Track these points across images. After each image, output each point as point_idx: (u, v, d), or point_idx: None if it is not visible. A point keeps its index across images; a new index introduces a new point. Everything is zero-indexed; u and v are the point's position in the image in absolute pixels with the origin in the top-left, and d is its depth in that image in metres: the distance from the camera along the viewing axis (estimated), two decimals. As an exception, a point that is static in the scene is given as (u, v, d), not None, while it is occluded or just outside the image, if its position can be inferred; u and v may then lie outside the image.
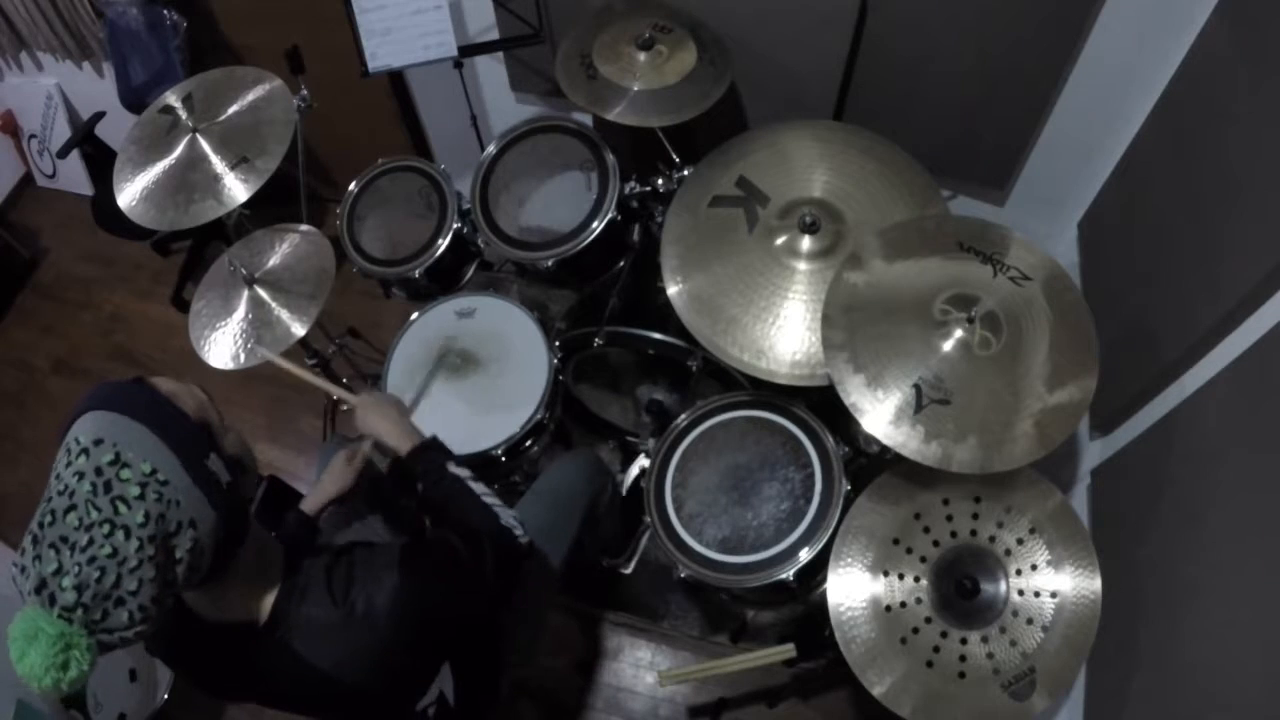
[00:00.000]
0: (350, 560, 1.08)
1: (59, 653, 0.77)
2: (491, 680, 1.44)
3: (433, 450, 1.37)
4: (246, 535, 0.98)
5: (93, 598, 0.78)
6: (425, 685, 1.22)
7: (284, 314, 1.76)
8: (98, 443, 0.82)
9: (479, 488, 1.32)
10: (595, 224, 1.77)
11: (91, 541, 0.79)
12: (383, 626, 1.03)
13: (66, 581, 0.78)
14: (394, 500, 1.65)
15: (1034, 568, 1.32)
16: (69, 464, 0.82)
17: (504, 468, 1.76)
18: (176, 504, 0.84)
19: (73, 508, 0.80)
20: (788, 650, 1.57)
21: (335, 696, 1.06)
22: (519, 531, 1.30)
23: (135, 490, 0.81)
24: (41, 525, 0.81)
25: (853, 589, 1.37)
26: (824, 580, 1.39)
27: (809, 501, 1.55)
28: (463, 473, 1.33)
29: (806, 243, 1.54)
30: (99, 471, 0.81)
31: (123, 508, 0.80)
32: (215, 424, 0.95)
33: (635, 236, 1.90)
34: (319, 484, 1.50)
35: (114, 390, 0.88)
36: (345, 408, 1.55)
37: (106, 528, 0.79)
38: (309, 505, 1.46)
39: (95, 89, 2.84)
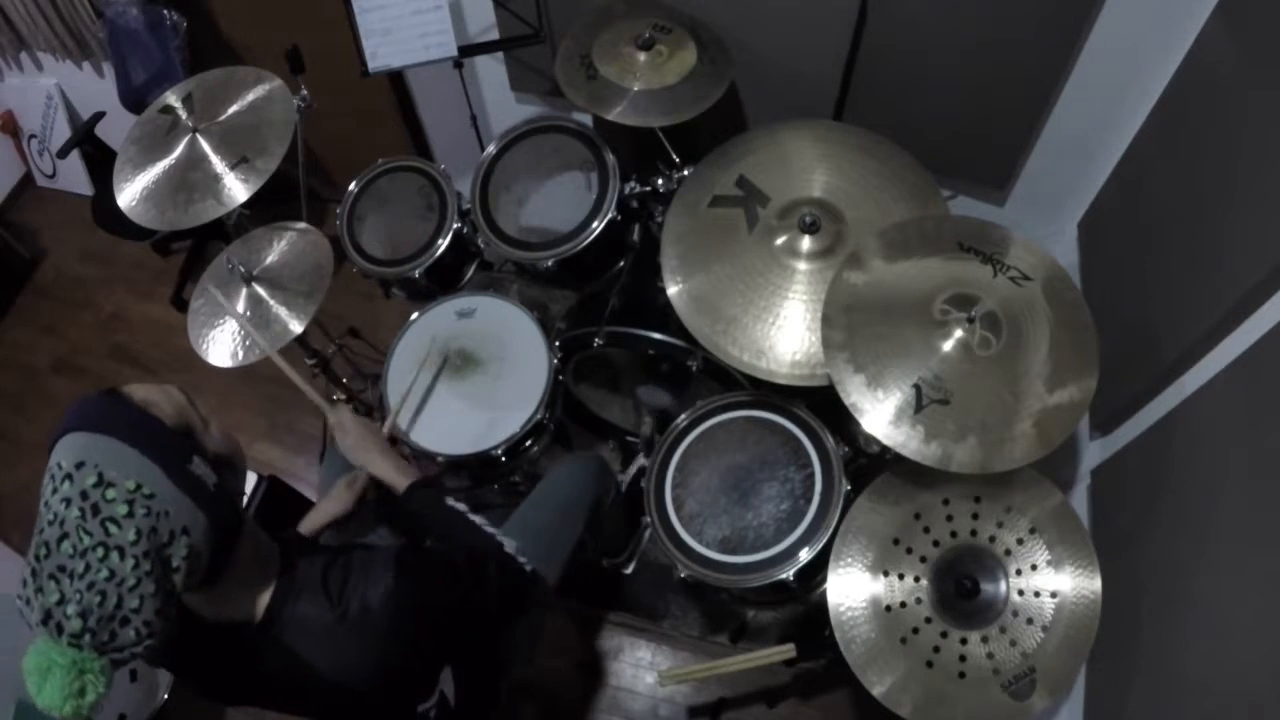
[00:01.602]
0: (347, 560, 1.08)
1: (74, 680, 0.78)
2: (491, 681, 1.44)
3: (429, 486, 1.37)
4: (241, 532, 0.98)
5: (98, 622, 0.79)
6: (426, 688, 1.21)
7: (282, 312, 1.76)
8: (79, 466, 0.82)
9: (478, 519, 1.32)
10: (595, 224, 1.77)
11: (88, 568, 0.79)
12: (377, 627, 1.02)
13: (70, 610, 0.78)
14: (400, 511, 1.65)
15: (1034, 568, 1.32)
16: (55, 490, 0.82)
17: (504, 468, 1.76)
18: (166, 515, 0.84)
19: (65, 536, 0.80)
20: (788, 650, 1.57)
21: (332, 696, 1.06)
22: (523, 559, 1.30)
23: (123, 509, 0.81)
24: (38, 557, 0.81)
25: (853, 589, 1.37)
26: (824, 580, 1.39)
27: (809, 501, 1.54)
28: (460, 506, 1.33)
29: (806, 243, 1.53)
30: (84, 495, 0.81)
31: (113, 528, 0.81)
32: (195, 425, 0.94)
33: (635, 236, 1.90)
34: (319, 506, 1.49)
35: (89, 408, 0.88)
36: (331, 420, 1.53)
37: (100, 551, 0.80)
38: (307, 526, 1.46)
39: (95, 89, 2.84)
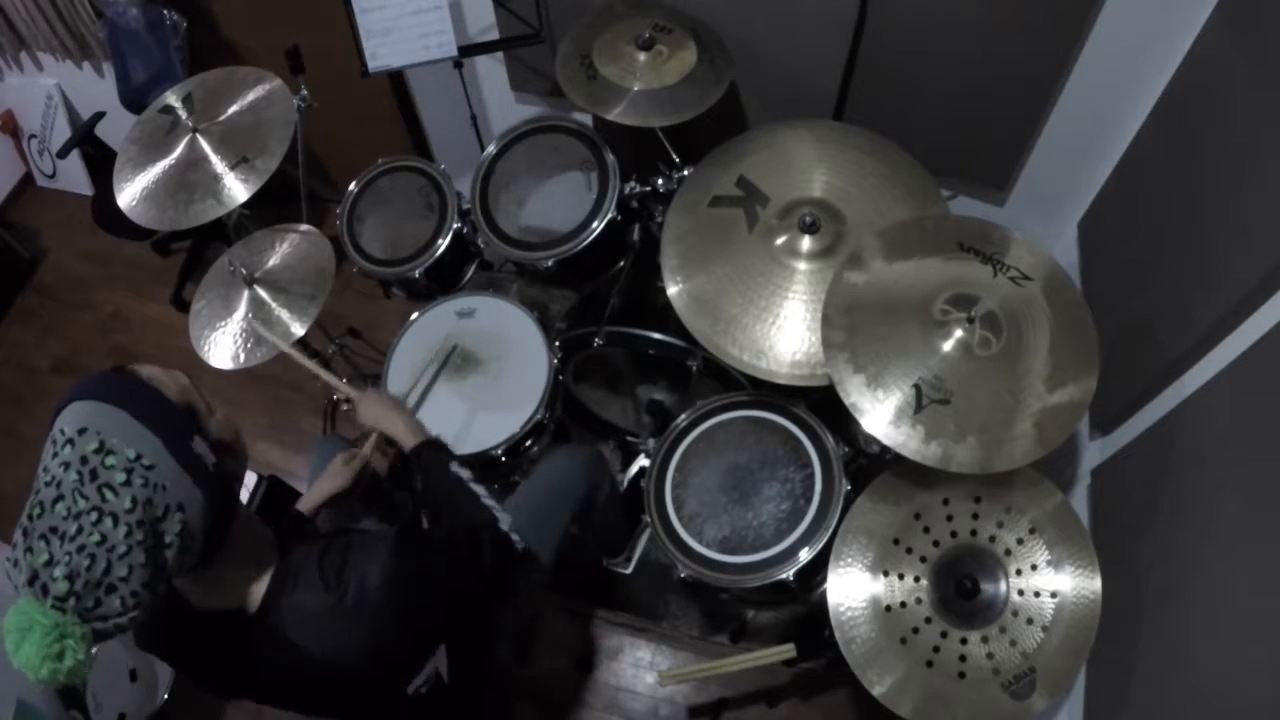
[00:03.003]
0: (344, 545, 1.08)
1: (54, 643, 0.77)
2: (483, 658, 1.45)
3: (437, 448, 1.40)
4: (235, 517, 0.98)
5: (84, 586, 0.79)
6: (418, 668, 1.22)
7: (284, 314, 1.76)
8: (81, 431, 0.82)
9: (479, 489, 1.33)
10: (595, 224, 1.77)
11: (80, 530, 0.79)
12: (374, 611, 1.03)
13: (58, 572, 0.78)
14: (390, 500, 1.65)
15: (1034, 568, 1.32)
16: (55, 455, 0.83)
17: (504, 468, 1.76)
18: (163, 488, 0.84)
19: (60, 498, 0.80)
20: (788, 650, 1.57)
21: (327, 681, 1.06)
22: (516, 537, 1.30)
23: (121, 476, 0.82)
24: (31, 517, 0.81)
25: (853, 589, 1.37)
26: (824, 580, 1.39)
27: (809, 501, 1.55)
28: (464, 473, 1.34)
29: (806, 243, 1.54)
30: (84, 460, 0.81)
31: (109, 495, 0.81)
32: (199, 407, 0.95)
33: (635, 236, 1.90)
34: (315, 484, 1.50)
35: (96, 380, 0.89)
36: (346, 407, 1.57)
37: (94, 515, 0.80)
38: (305, 505, 1.46)
39: (95, 89, 2.83)
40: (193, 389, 0.96)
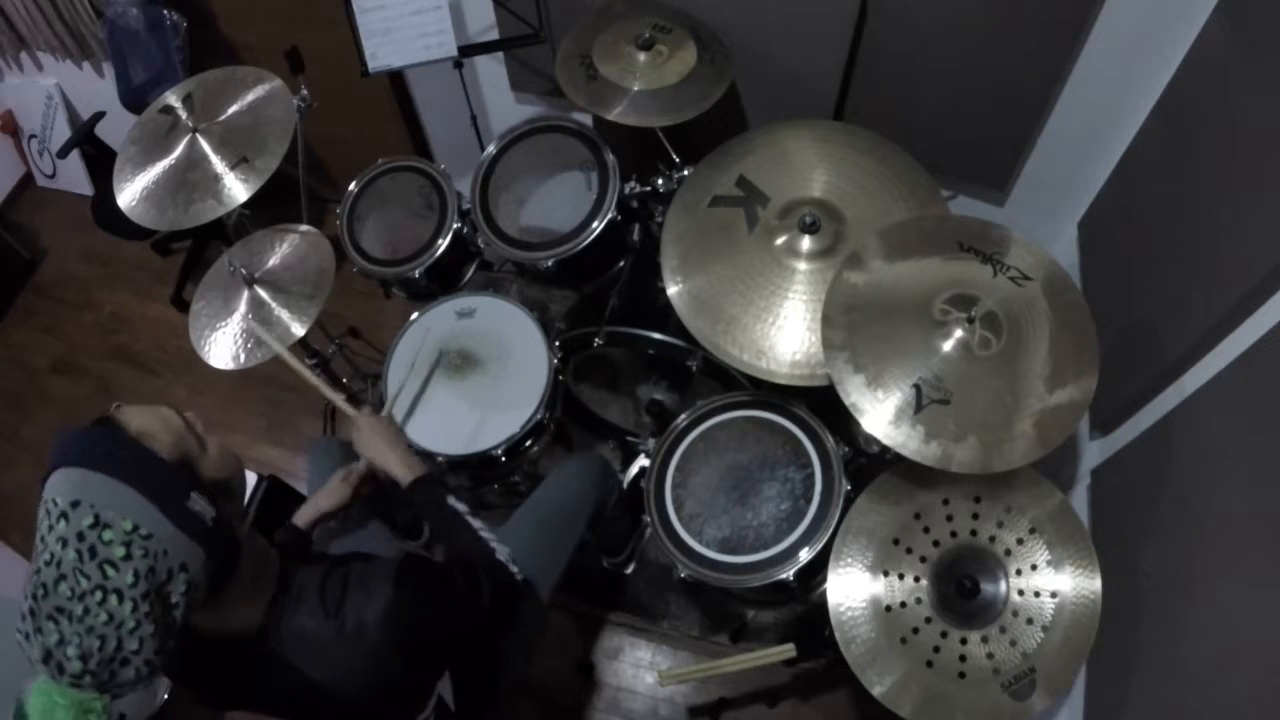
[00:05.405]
0: (346, 572, 1.08)
1: (78, 719, 0.78)
2: (489, 683, 1.44)
3: (432, 484, 1.38)
4: (240, 558, 0.97)
5: (98, 664, 0.79)
6: (422, 700, 1.21)
7: (284, 314, 1.76)
8: (75, 504, 0.81)
9: (476, 523, 1.32)
10: (595, 224, 1.77)
11: (87, 611, 0.79)
12: (373, 640, 1.02)
13: (70, 651, 0.79)
14: (393, 508, 1.64)
15: (1034, 568, 1.32)
16: (51, 528, 0.81)
17: (504, 468, 1.76)
18: (164, 554, 0.83)
19: (63, 578, 0.80)
20: (788, 650, 1.57)
21: (328, 705, 1.06)
22: (514, 568, 1.30)
23: (120, 551, 0.81)
24: (36, 597, 0.80)
25: (853, 589, 1.37)
26: (824, 580, 1.39)
27: (809, 501, 1.55)
28: (461, 507, 1.34)
29: (806, 243, 1.54)
30: (81, 537, 0.80)
31: (111, 571, 0.80)
32: (193, 452, 0.93)
33: (635, 236, 1.90)
34: (313, 499, 1.50)
35: (84, 441, 0.86)
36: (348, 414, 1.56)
37: (99, 594, 0.79)
38: (301, 519, 1.46)
39: (95, 89, 2.84)
40: (185, 431, 0.93)
